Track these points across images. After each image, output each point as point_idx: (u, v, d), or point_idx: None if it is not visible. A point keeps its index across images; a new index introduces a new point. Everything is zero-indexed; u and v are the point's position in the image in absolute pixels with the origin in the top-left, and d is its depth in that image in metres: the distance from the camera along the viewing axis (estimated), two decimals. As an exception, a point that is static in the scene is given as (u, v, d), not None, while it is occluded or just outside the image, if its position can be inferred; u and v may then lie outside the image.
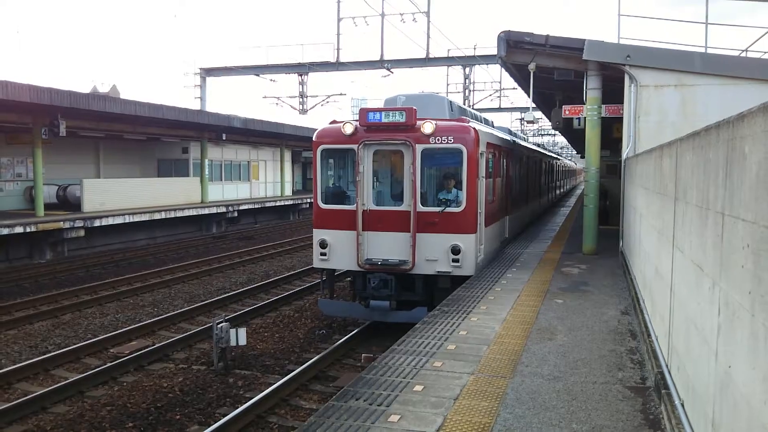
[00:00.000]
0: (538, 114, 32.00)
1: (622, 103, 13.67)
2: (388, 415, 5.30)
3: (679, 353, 4.84)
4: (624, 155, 13.68)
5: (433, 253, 11.45)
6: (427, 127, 11.24)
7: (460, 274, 11.44)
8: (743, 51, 16.33)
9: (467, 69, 36.30)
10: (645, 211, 8.42)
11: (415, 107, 11.55)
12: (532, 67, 14.73)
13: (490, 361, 6.77)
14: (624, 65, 13.09)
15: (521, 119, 45.62)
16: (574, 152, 66.09)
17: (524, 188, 19.71)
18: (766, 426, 2.43)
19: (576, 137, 30.39)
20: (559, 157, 46.08)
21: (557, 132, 45.83)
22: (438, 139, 11.32)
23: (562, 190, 46.24)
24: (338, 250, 11.93)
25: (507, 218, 15.91)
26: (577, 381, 6.17)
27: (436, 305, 9.52)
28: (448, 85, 40.19)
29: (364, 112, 11.69)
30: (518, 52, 14.90)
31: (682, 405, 4.57)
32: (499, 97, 42.22)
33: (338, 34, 32.78)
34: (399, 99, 12.94)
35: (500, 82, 41.26)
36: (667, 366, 5.53)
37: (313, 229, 12.28)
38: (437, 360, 6.81)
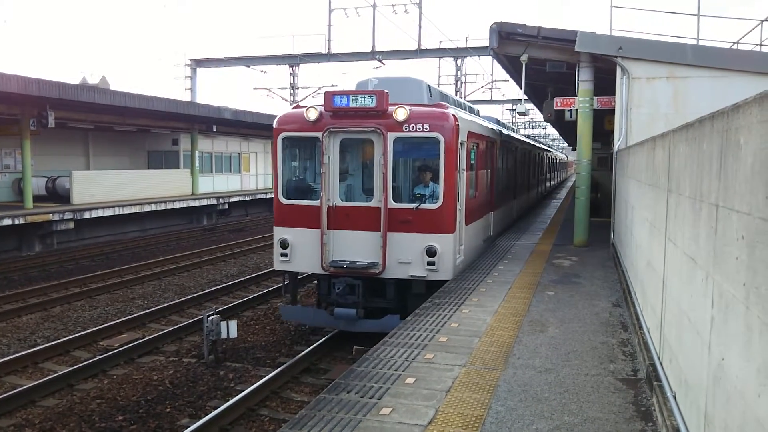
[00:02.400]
0: (530, 106, 32.00)
1: (614, 95, 13.67)
2: (380, 408, 5.28)
3: (671, 345, 4.84)
4: (616, 147, 13.69)
5: (406, 255, 10.37)
6: (400, 113, 10.14)
7: (436, 279, 10.40)
8: (734, 43, 16.38)
9: (459, 61, 36.20)
10: (637, 204, 8.42)
11: (388, 91, 10.48)
12: (524, 58, 14.70)
13: (481, 354, 6.76)
14: (616, 57, 13.07)
15: (511, 109, 45.61)
16: (565, 144, 66.27)
17: (512, 181, 18.78)
18: (761, 419, 2.41)
19: (567, 129, 30.45)
20: (549, 148, 46.10)
21: (548, 124, 45.90)
22: (412, 127, 10.22)
23: (552, 183, 46.28)
24: (301, 250, 10.84)
25: (491, 214, 14.87)
26: (569, 373, 6.17)
27: (410, 312, 8.75)
28: (440, 77, 40.05)
29: (329, 96, 10.48)
30: (510, 44, 14.86)
31: (674, 397, 4.57)
32: (491, 89, 42.17)
33: (329, 25, 32.65)
34: (371, 82, 11.73)
35: (492, 74, 41.18)
36: (659, 358, 5.53)
37: (274, 227, 11.19)
38: (429, 352, 6.79)
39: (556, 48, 14.47)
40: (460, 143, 10.77)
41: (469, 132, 11.60)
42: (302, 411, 5.27)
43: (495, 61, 20.36)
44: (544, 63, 14.99)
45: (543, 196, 33.72)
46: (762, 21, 14.99)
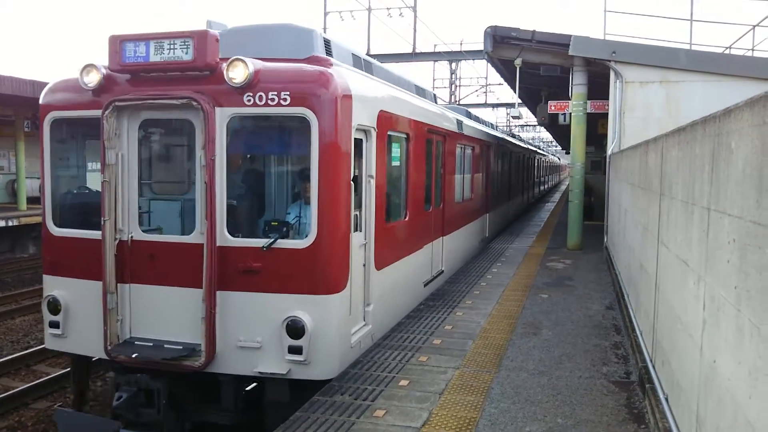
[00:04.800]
0: (524, 109, 32.14)
1: (608, 99, 13.74)
2: (374, 410, 5.28)
3: (663, 348, 4.87)
4: (609, 151, 13.75)
5: (250, 333, 5.87)
6: (237, 72, 5.70)
7: (304, 378, 5.85)
8: (727, 48, 16.49)
9: (454, 64, 36.29)
10: (630, 207, 8.47)
11: (239, 43, 6.38)
12: (518, 62, 14.76)
13: (475, 356, 6.78)
14: (609, 61, 13.15)
15: (498, 105, 45.66)
16: (559, 147, 66.52)
17: (483, 191, 14.77)
18: (751, 420, 2.44)
19: (561, 133, 30.56)
20: (540, 150, 45.78)
21: (542, 127, 46.05)
22: (260, 97, 5.74)
23: (544, 187, 45.96)
24: (82, 317, 6.39)
25: (442, 240, 10.51)
26: (562, 375, 6.20)
27: (271, 429, 5.28)
28: (434, 80, 40.19)
29: (116, 42, 5.92)
30: (505, 48, 14.92)
31: (666, 399, 4.60)
32: (485, 92, 42.30)
33: (324, 28, 32.62)
34: (211, 24, 6.92)
35: (486, 78, 41.31)
36: (651, 361, 5.56)
37: (43, 276, 6.76)
38: (423, 354, 6.80)
39: (550, 52, 14.54)
40: (361, 129, 6.44)
41: (383, 113, 7.07)
42: (296, 413, 5.27)
43: (489, 64, 20.43)
44: (538, 67, 15.07)
45: (532, 202, 33.31)
46: (754, 26, 15.11)
